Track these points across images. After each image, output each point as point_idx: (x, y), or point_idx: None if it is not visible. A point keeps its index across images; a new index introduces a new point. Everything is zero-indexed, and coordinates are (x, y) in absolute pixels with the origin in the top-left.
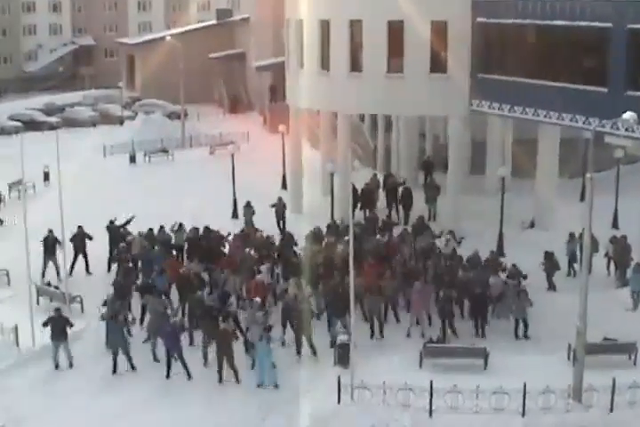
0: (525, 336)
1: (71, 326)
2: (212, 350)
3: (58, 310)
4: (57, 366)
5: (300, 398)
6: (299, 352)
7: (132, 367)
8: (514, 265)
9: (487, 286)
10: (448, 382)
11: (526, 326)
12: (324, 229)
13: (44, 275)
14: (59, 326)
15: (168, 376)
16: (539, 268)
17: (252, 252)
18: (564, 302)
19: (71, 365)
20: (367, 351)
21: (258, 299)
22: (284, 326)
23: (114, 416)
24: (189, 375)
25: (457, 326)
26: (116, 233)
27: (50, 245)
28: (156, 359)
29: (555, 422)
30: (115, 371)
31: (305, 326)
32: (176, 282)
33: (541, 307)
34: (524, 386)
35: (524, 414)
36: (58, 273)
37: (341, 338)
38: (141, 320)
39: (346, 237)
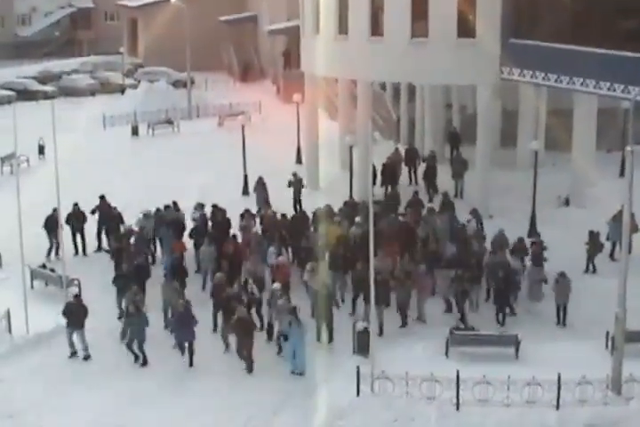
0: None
1: (86, 315)
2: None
3: (77, 296)
4: (74, 354)
5: (316, 390)
6: (318, 339)
7: (145, 362)
8: (541, 246)
9: (509, 270)
10: (476, 372)
11: (565, 312)
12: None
13: (49, 254)
14: (77, 315)
15: (191, 364)
16: (574, 248)
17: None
18: (603, 286)
19: (87, 358)
20: (389, 339)
21: (277, 285)
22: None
23: (113, 408)
24: (191, 364)
25: (481, 313)
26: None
27: (53, 224)
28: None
29: (591, 416)
30: (136, 361)
31: (325, 312)
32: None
33: (578, 291)
34: (559, 377)
35: (558, 407)
36: (57, 252)
37: (360, 325)
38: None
39: (357, 218)
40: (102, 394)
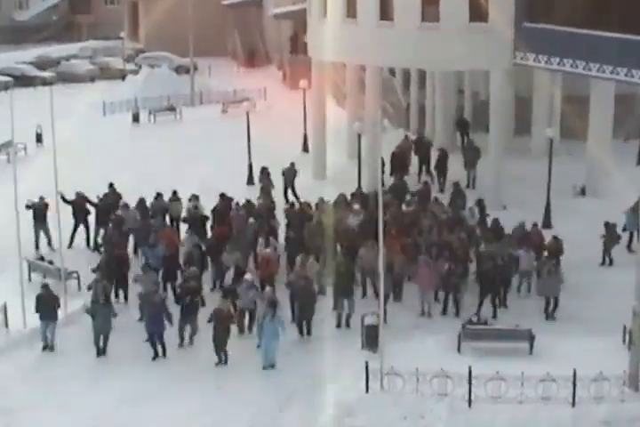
0: (553, 317)
1: (59, 306)
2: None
3: (45, 286)
4: (45, 348)
5: (324, 386)
6: (301, 332)
7: (104, 352)
8: (555, 237)
9: (511, 261)
10: (489, 368)
11: (556, 305)
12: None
13: (37, 246)
14: (48, 305)
15: (155, 358)
16: (590, 240)
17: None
18: (620, 278)
19: (52, 348)
20: (398, 334)
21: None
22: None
23: (112, 406)
24: (164, 355)
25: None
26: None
27: (40, 213)
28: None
29: (608, 413)
30: (99, 355)
31: (306, 305)
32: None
33: (594, 284)
34: (575, 373)
35: (574, 404)
36: (49, 244)
37: (369, 319)
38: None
39: (355, 206)
40: (101, 391)
